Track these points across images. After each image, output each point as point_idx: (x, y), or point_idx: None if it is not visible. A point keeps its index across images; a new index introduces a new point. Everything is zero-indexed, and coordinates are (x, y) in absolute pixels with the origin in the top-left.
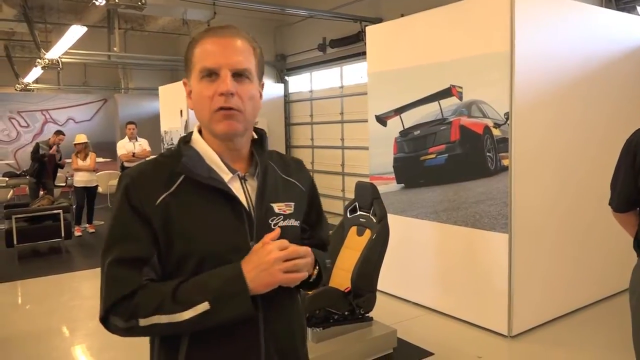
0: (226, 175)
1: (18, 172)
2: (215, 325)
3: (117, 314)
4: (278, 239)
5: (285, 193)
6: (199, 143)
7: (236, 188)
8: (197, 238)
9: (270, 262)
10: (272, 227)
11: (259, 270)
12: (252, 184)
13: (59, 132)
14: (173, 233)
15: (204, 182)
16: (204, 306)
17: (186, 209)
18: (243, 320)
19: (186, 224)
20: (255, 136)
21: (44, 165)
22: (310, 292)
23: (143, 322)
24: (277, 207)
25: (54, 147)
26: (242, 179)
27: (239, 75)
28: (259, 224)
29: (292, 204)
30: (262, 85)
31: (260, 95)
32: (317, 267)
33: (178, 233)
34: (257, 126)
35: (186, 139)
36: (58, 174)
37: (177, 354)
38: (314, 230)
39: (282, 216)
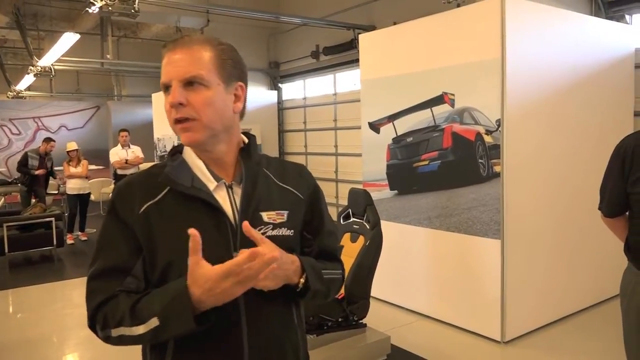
0: (211, 184)
1: (9, 180)
2: (174, 338)
3: (97, 322)
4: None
5: (279, 201)
6: (187, 152)
7: (222, 197)
8: (178, 249)
9: (226, 289)
10: None
11: (211, 295)
12: (239, 193)
13: (49, 140)
14: (155, 242)
15: (186, 192)
16: (155, 322)
17: (168, 219)
18: (225, 329)
19: (167, 234)
20: (246, 141)
21: (35, 175)
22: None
23: (114, 332)
24: (266, 215)
25: (41, 170)
26: (229, 187)
27: (190, 84)
28: (243, 233)
29: (285, 212)
30: (240, 86)
31: (238, 98)
32: (305, 276)
33: (160, 243)
34: (250, 132)
35: (177, 149)
36: (50, 182)
37: None
38: (315, 239)
39: (271, 225)
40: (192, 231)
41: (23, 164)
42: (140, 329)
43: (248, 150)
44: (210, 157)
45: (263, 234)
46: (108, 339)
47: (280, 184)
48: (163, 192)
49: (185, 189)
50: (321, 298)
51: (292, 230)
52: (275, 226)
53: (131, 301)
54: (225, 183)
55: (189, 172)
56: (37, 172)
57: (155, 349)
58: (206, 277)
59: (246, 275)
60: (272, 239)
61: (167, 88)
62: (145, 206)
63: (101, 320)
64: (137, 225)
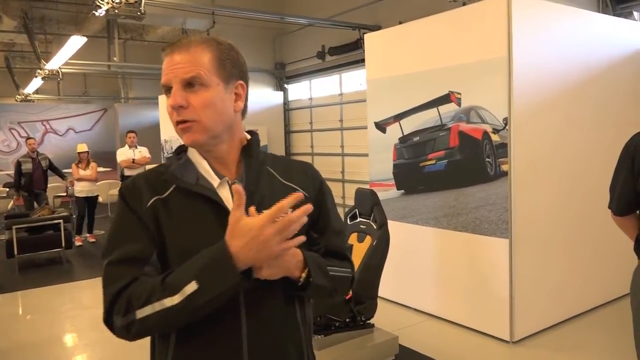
0: (215, 181)
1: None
2: (207, 307)
3: (116, 312)
4: None
5: (283, 199)
6: (191, 151)
7: (224, 194)
8: (184, 246)
9: (267, 238)
10: None
11: (251, 246)
12: None
13: (27, 138)
14: (164, 237)
15: (192, 189)
16: (192, 286)
17: (174, 216)
18: (225, 323)
19: (175, 230)
20: (249, 137)
21: (31, 178)
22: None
23: (139, 313)
24: None
25: (18, 199)
26: (231, 185)
27: (189, 85)
28: None
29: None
30: (240, 85)
31: (239, 97)
32: (307, 270)
33: (168, 239)
34: (256, 131)
35: (182, 148)
36: (58, 184)
37: (166, 357)
38: (322, 238)
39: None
40: (236, 187)
41: (18, 171)
42: (175, 299)
43: (249, 148)
44: (213, 156)
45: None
46: (130, 326)
47: (285, 182)
48: (170, 190)
49: (190, 186)
50: (326, 295)
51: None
52: None
53: (160, 277)
54: (227, 180)
55: (194, 171)
56: (15, 202)
57: (158, 345)
58: (250, 226)
59: (287, 226)
60: None
61: (168, 90)
62: (152, 200)
63: (123, 306)
64: (147, 218)
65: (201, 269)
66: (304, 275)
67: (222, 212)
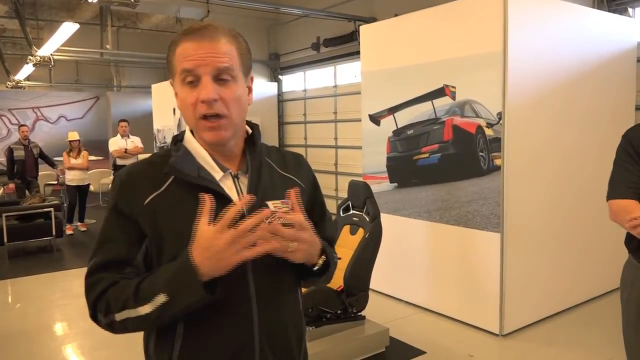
0: (217, 174)
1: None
2: (180, 314)
3: (99, 311)
4: None
5: (283, 190)
6: (190, 142)
7: (228, 186)
8: (187, 238)
9: (221, 249)
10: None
11: (208, 257)
12: (246, 182)
13: (20, 125)
14: (163, 233)
15: (194, 181)
16: (162, 298)
17: (175, 209)
18: (238, 315)
19: (175, 224)
20: (250, 131)
21: (23, 165)
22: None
23: (117, 317)
24: (272, 205)
25: (11, 186)
26: (235, 177)
27: (221, 77)
28: None
29: (290, 201)
30: (251, 78)
31: (250, 90)
32: (325, 258)
33: (168, 233)
34: (256, 123)
35: (178, 138)
36: (49, 172)
37: (172, 351)
38: (317, 228)
39: (277, 214)
40: (204, 195)
41: (10, 158)
42: (146, 308)
43: (252, 140)
44: (220, 150)
45: (269, 223)
46: (112, 325)
47: (283, 172)
48: (167, 182)
49: (192, 178)
50: (328, 280)
51: None
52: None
53: (134, 283)
54: (231, 173)
55: (194, 162)
56: (8, 188)
57: (161, 337)
58: (205, 236)
59: (247, 241)
60: None
61: (191, 79)
62: (150, 197)
63: (104, 307)
64: (143, 216)
65: (168, 280)
66: (320, 261)
67: (227, 204)
